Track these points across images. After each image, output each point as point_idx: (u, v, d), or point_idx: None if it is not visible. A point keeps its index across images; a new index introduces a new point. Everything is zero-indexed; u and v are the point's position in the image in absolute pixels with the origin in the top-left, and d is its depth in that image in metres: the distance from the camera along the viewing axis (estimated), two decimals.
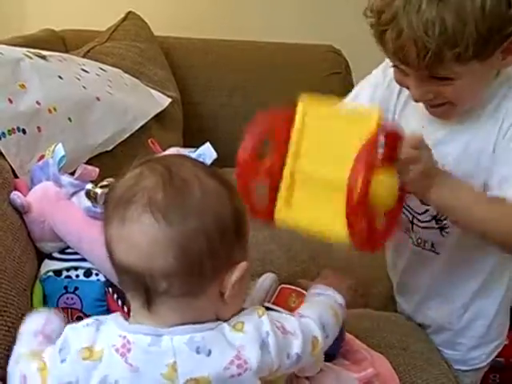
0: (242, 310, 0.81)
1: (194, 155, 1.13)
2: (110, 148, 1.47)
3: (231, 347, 0.76)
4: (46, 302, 1.07)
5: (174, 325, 0.76)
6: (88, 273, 1.09)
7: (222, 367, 0.75)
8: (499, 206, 1.01)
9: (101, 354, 0.76)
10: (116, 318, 0.80)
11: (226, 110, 1.97)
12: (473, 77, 0.99)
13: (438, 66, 0.96)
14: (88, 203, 1.09)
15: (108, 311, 1.08)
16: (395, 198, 0.95)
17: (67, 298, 1.07)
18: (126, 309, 1.06)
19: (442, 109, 1.05)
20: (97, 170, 1.17)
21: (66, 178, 1.16)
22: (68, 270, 1.09)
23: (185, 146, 1.80)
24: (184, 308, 0.76)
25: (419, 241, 1.24)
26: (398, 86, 1.14)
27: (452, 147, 1.10)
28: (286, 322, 0.82)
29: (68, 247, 1.13)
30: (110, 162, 1.43)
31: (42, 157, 1.19)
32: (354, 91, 1.26)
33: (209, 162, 1.12)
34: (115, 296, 1.07)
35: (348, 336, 1.07)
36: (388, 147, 0.94)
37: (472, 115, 1.09)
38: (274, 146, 0.98)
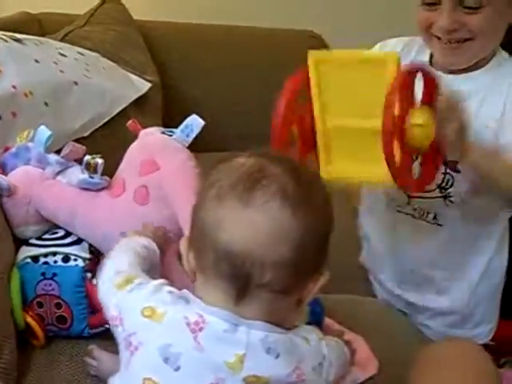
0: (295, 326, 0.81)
1: (181, 127, 1.13)
2: (88, 133, 1.45)
3: (296, 356, 0.77)
4: (23, 289, 1.06)
5: (254, 318, 0.76)
6: (66, 258, 1.09)
7: (285, 373, 0.76)
8: None
9: (163, 316, 0.76)
10: (198, 300, 0.78)
11: (206, 93, 1.95)
12: (497, 11, 1.09)
13: None
14: (83, 175, 1.10)
15: (86, 297, 1.07)
16: (430, 141, 0.96)
17: (45, 285, 1.07)
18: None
19: (461, 47, 1.12)
20: (84, 147, 1.17)
21: (52, 157, 1.15)
22: (46, 255, 1.09)
23: None
24: (271, 305, 0.76)
25: (421, 212, 1.22)
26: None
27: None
28: (333, 352, 0.83)
29: (45, 233, 1.13)
30: (88, 147, 1.40)
31: (8, 148, 1.18)
32: None
33: (197, 130, 1.13)
34: (94, 281, 1.06)
35: (327, 320, 1.07)
36: (426, 89, 0.96)
37: (474, 81, 1.16)
38: (306, 103, 1.02)
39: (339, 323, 1.10)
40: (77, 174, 1.13)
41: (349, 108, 0.97)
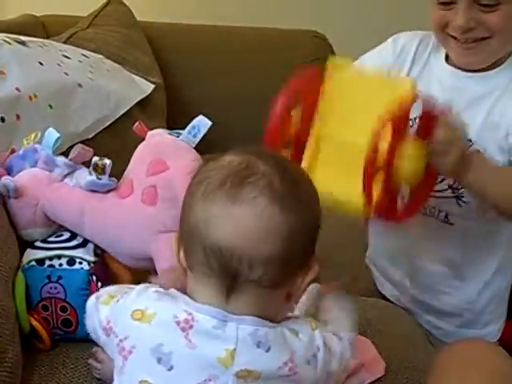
0: (289, 317, 0.82)
1: (188, 128, 1.13)
2: (92, 135, 1.45)
3: (288, 349, 0.77)
4: (28, 292, 1.06)
5: (243, 314, 0.76)
6: (71, 261, 1.08)
7: (277, 366, 0.76)
8: None
9: (152, 317, 0.77)
10: (184, 296, 0.79)
11: (210, 95, 1.95)
12: None
13: None
14: (91, 177, 1.11)
15: None
16: (419, 175, 0.94)
17: (50, 288, 1.07)
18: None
19: (478, 46, 1.10)
20: (91, 150, 1.17)
21: (60, 159, 1.16)
22: (51, 258, 1.08)
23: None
24: (260, 299, 0.77)
25: (433, 210, 1.21)
26: (410, 56, 1.20)
27: (473, 116, 1.13)
28: (332, 342, 0.83)
29: (51, 235, 1.13)
30: (93, 149, 1.40)
31: (14, 150, 1.17)
32: (358, 61, 1.26)
33: (204, 131, 1.13)
34: (99, 284, 1.06)
35: None
36: (423, 121, 0.94)
37: (489, 81, 1.14)
38: (303, 107, 1.00)
39: None
40: (84, 176, 1.13)
41: (349, 120, 0.96)
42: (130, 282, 1.07)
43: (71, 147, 1.33)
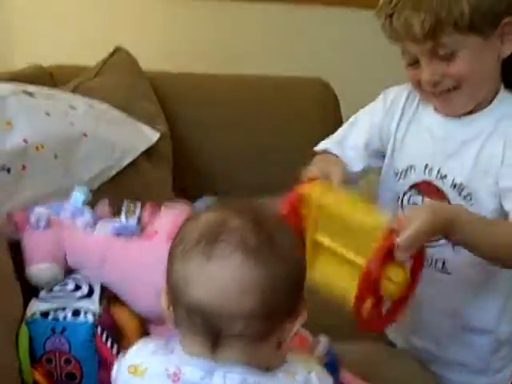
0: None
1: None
2: (97, 186, 1.45)
3: None
4: (32, 345, 1.05)
5: (231, 364, 0.77)
6: (76, 313, 1.08)
7: None
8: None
9: (144, 372, 0.79)
10: (179, 349, 0.81)
11: (216, 144, 1.96)
12: (474, 52, 1.09)
13: (440, 34, 1.07)
14: (118, 222, 1.15)
15: (96, 353, 1.06)
16: (404, 289, 0.98)
17: (55, 340, 1.06)
18: (115, 350, 1.05)
19: (450, 96, 1.13)
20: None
21: (86, 210, 1.20)
22: (55, 310, 1.08)
23: (174, 180, 1.80)
24: (248, 352, 0.77)
25: (429, 261, 1.20)
26: (398, 112, 1.24)
27: (462, 161, 1.15)
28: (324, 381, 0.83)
29: (55, 285, 1.12)
30: (97, 199, 1.40)
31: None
32: (351, 118, 1.32)
33: None
34: (104, 336, 1.06)
35: (346, 376, 1.05)
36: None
37: (476, 124, 1.16)
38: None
39: (354, 374, 1.08)
40: (108, 224, 1.17)
41: (338, 237, 1.01)
42: (137, 334, 1.07)
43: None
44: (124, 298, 1.13)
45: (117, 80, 1.90)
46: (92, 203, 1.24)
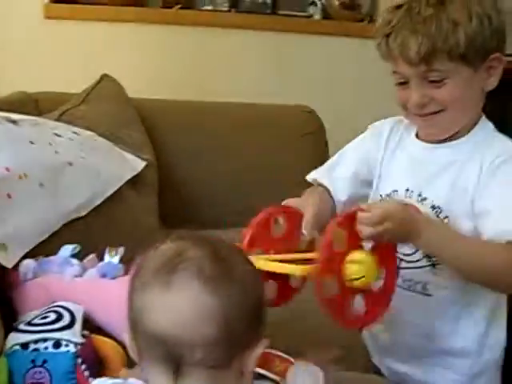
0: None
1: None
2: (83, 214, 1.44)
3: None
4: (12, 378, 1.03)
5: None
6: (57, 344, 1.06)
7: None
8: (482, 247, 1.11)
9: None
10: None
11: (203, 172, 1.96)
12: (462, 81, 1.14)
13: (434, 60, 1.11)
14: (102, 265, 1.18)
15: None
16: (370, 276, 1.01)
17: (35, 373, 1.04)
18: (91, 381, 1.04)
19: (434, 118, 1.17)
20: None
21: (74, 260, 1.22)
22: (36, 342, 1.06)
23: (160, 209, 1.80)
24: (212, 380, 0.78)
25: (410, 283, 1.23)
26: (384, 139, 1.30)
27: (441, 184, 1.19)
28: None
29: (36, 317, 1.11)
30: (82, 227, 1.40)
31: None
32: (341, 150, 1.38)
33: None
34: (83, 367, 1.04)
35: None
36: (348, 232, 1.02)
37: (456, 149, 1.20)
38: None
39: None
40: (94, 270, 1.19)
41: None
42: (121, 365, 1.05)
43: (63, 226, 1.34)
44: (109, 329, 1.12)
45: (103, 108, 1.90)
46: (80, 231, 1.25)
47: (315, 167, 1.38)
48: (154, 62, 2.43)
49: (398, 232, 1.05)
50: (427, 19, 1.11)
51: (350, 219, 1.02)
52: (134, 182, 1.67)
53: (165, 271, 0.78)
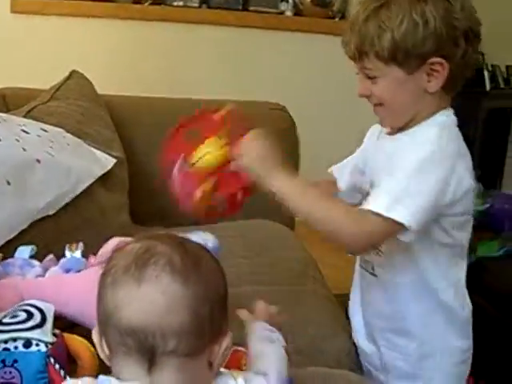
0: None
1: None
2: (52, 212, 1.43)
3: None
4: None
5: None
6: (28, 343, 1.04)
7: None
8: (325, 202, 1.18)
9: None
10: (111, 379, 0.83)
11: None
12: (395, 81, 1.18)
13: (364, 58, 1.18)
14: (64, 261, 1.20)
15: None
16: (217, 162, 1.18)
17: (5, 373, 1.02)
18: (68, 380, 1.03)
19: (378, 109, 1.23)
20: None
21: (35, 262, 1.23)
22: (6, 341, 1.04)
23: (131, 206, 1.78)
24: (183, 370, 0.81)
25: (367, 264, 1.30)
26: (368, 138, 1.37)
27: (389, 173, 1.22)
28: (257, 382, 0.89)
29: (5, 316, 1.09)
30: (52, 226, 1.39)
31: None
32: (346, 160, 1.44)
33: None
34: (57, 366, 1.03)
35: None
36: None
37: (399, 140, 1.23)
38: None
39: None
40: (57, 268, 1.20)
41: None
42: (92, 363, 1.05)
43: (32, 224, 1.33)
44: (81, 320, 1.13)
45: (72, 104, 1.88)
46: (50, 229, 1.24)
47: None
48: (124, 58, 2.42)
49: (253, 167, 1.16)
50: (362, 21, 1.17)
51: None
52: (104, 179, 1.66)
53: (136, 266, 0.81)
